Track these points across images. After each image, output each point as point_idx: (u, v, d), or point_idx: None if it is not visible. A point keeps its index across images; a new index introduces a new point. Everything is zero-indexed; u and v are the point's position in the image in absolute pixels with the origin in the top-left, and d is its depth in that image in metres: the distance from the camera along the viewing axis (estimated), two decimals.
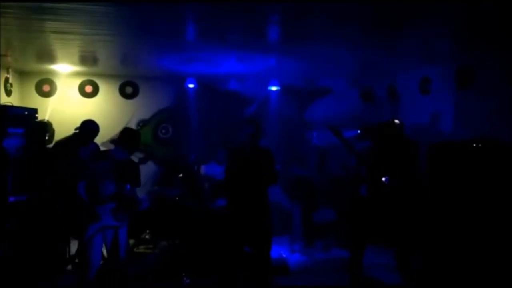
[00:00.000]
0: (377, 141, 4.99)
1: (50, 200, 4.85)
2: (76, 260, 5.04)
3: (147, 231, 6.14)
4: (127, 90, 7.63)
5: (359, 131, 6.96)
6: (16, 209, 4.67)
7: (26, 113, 5.80)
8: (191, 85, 7.32)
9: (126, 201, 4.01)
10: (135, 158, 6.80)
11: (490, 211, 4.38)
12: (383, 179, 4.51)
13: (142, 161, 6.37)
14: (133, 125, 7.57)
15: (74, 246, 5.16)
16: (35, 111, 6.03)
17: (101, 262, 4.14)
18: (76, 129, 5.11)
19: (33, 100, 7.07)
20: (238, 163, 4.42)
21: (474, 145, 4.60)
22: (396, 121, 4.84)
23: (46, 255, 4.79)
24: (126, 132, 4.24)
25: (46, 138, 5.88)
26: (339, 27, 4.57)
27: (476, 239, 4.39)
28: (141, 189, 4.43)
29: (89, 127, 4.99)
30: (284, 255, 5.83)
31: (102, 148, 5.27)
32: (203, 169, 6.65)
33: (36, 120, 5.95)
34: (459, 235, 4.55)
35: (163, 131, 7.81)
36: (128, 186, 4.03)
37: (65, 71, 6.97)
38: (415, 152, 4.78)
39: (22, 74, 7.10)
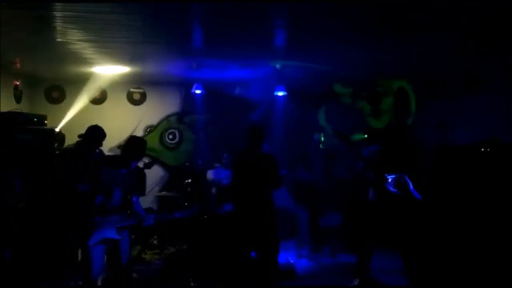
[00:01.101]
0: (384, 145, 4.98)
1: (50, 201, 4.87)
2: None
3: (155, 236, 6.17)
4: (135, 96, 7.70)
5: (366, 136, 6.96)
6: (21, 211, 4.72)
7: (35, 119, 5.88)
8: (198, 91, 7.36)
9: (131, 215, 3.99)
10: (141, 163, 6.87)
11: (497, 213, 4.35)
12: (389, 179, 4.44)
13: (148, 166, 6.40)
14: (140, 131, 7.64)
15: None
16: (44, 117, 6.10)
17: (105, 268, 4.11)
18: (79, 135, 5.07)
19: (42, 107, 7.16)
20: (242, 168, 4.47)
21: (482, 149, 4.58)
22: (403, 124, 4.83)
23: (46, 255, 4.80)
24: (133, 141, 4.19)
25: (55, 145, 5.96)
26: (346, 31, 4.58)
27: (482, 240, 4.36)
28: (148, 193, 4.44)
29: (94, 133, 4.94)
30: (291, 260, 5.83)
31: (107, 154, 5.27)
32: (209, 174, 6.68)
33: (45, 127, 6.02)
34: (465, 238, 4.52)
35: (170, 136, 7.86)
36: (135, 198, 4.02)
37: (74, 78, 7.05)
38: (421, 156, 4.77)
39: (32, 81, 7.19)
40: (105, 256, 3.95)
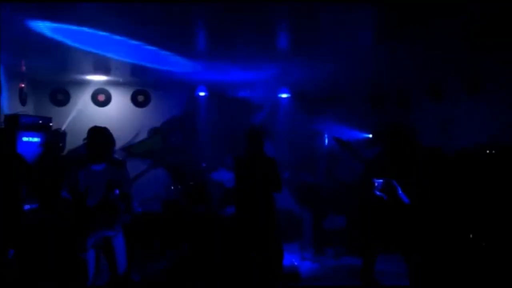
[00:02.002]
0: (388, 147, 4.97)
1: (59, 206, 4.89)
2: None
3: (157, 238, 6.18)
4: (139, 99, 7.72)
5: (370, 135, 6.95)
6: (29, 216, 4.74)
7: (40, 122, 5.92)
8: (201, 93, 7.39)
9: (115, 207, 3.91)
10: (145, 165, 6.89)
11: (500, 215, 4.34)
12: (376, 183, 4.41)
13: (152, 167, 6.43)
14: (144, 133, 7.66)
15: None
16: (49, 119, 6.15)
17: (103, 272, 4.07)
18: (84, 139, 5.08)
19: (47, 109, 7.19)
20: (243, 171, 4.50)
21: (488, 151, 4.57)
22: (408, 127, 4.81)
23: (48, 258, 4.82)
24: (96, 132, 4.04)
25: (61, 146, 6.00)
26: (349, 33, 4.59)
27: (487, 242, 4.34)
28: (152, 195, 4.39)
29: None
30: (295, 263, 5.83)
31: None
32: (213, 176, 6.70)
33: (51, 129, 6.05)
34: (470, 241, 4.50)
35: (174, 138, 7.88)
36: (117, 191, 3.93)
37: (78, 81, 7.09)
38: (426, 159, 4.75)
39: (37, 84, 7.22)
40: (101, 259, 3.92)
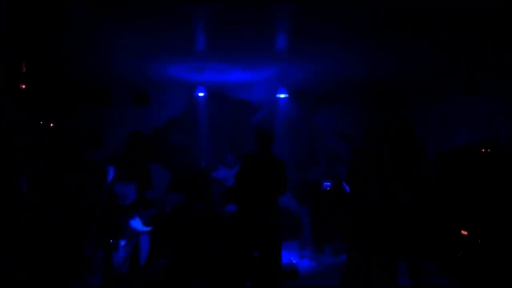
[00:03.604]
0: (387, 147, 5.00)
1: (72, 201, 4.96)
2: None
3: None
4: (140, 99, 7.75)
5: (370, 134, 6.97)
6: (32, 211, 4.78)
7: (41, 122, 5.98)
8: (201, 94, 7.44)
9: (150, 205, 4.06)
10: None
11: (501, 214, 4.38)
12: (326, 185, 4.50)
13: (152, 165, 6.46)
14: (145, 133, 7.70)
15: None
16: (49, 119, 6.19)
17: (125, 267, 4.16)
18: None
19: None
20: (250, 170, 4.49)
21: (483, 150, 4.61)
22: (408, 126, 4.84)
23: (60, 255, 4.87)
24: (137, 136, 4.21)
25: None
26: (347, 33, 4.63)
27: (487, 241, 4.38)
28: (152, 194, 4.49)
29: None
30: (294, 261, 5.87)
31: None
32: (212, 174, 6.75)
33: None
34: (469, 238, 4.54)
35: (174, 138, 7.93)
36: (149, 191, 4.09)
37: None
38: (424, 158, 4.78)
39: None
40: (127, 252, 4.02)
